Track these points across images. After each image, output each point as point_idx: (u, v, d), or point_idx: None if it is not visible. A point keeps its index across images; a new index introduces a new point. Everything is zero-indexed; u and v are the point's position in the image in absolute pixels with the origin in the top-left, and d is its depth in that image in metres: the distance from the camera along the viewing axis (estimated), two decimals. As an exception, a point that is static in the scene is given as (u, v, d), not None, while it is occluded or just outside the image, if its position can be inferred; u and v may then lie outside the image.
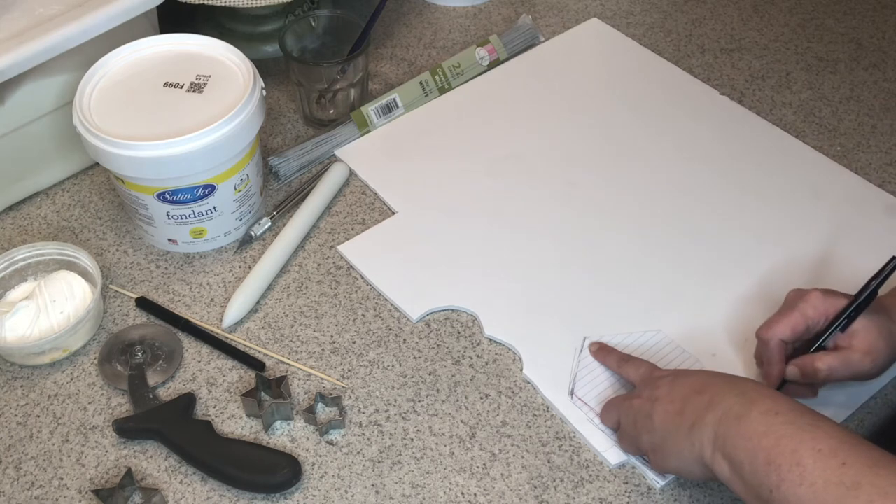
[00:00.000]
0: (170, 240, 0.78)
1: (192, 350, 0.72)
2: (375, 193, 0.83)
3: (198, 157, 0.70)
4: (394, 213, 0.81)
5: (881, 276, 0.63)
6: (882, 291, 0.63)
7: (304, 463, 0.65)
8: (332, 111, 0.89)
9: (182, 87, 0.74)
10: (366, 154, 0.86)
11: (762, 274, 0.76)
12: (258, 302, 0.75)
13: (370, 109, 0.88)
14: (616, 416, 0.64)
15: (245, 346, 0.72)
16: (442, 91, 0.92)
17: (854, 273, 0.70)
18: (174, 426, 0.65)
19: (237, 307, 0.73)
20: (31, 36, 0.72)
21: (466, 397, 0.69)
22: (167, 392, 0.69)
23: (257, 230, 0.79)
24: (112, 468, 0.65)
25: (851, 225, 0.79)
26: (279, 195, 0.84)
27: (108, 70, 0.75)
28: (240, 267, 0.78)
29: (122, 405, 0.69)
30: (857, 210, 0.80)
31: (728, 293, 0.74)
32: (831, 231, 0.79)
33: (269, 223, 0.80)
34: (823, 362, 0.62)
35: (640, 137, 0.88)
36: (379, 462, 0.65)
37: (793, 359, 0.64)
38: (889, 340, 0.62)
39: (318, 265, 0.78)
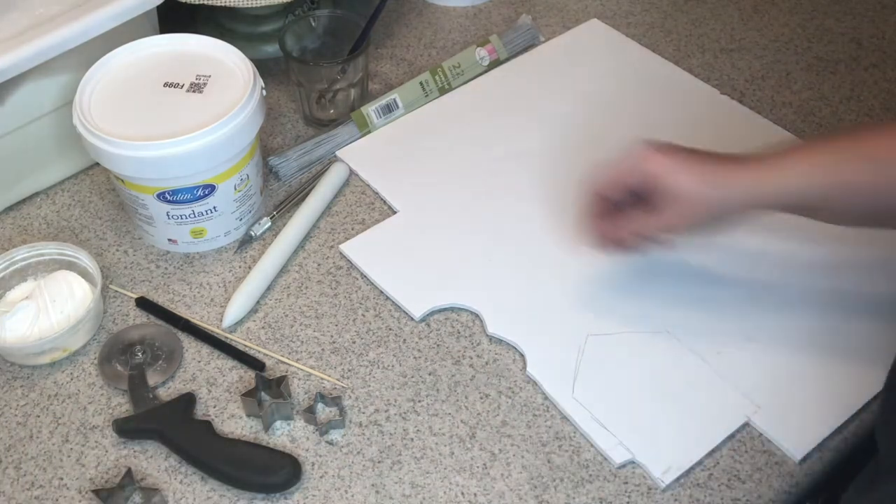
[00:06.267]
0: (170, 240, 0.78)
1: (192, 350, 0.72)
2: (376, 193, 0.83)
3: (198, 157, 0.70)
4: (395, 213, 0.81)
5: None
6: None
7: (304, 463, 0.65)
8: (332, 111, 0.89)
9: (182, 87, 0.74)
10: (366, 154, 0.86)
11: (765, 272, 0.76)
12: (258, 302, 0.75)
13: (370, 110, 0.88)
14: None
15: (245, 346, 0.72)
16: (442, 91, 0.92)
17: (857, 268, 0.70)
18: (174, 426, 0.65)
19: (237, 307, 0.73)
20: (31, 36, 0.72)
21: (466, 397, 0.69)
22: (167, 392, 0.69)
23: (257, 230, 0.79)
24: (112, 468, 0.65)
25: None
26: (279, 195, 0.84)
27: (108, 70, 0.75)
28: (240, 267, 0.78)
29: (122, 405, 0.68)
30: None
31: (732, 291, 0.74)
32: (833, 227, 0.79)
33: (269, 223, 0.80)
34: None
35: (642, 137, 0.87)
36: (379, 462, 0.65)
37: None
38: (710, 200, 0.63)
39: (318, 265, 0.78)
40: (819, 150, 0.63)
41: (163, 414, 0.66)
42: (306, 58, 0.89)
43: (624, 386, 0.68)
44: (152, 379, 0.69)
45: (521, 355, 0.71)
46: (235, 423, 0.67)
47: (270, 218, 0.80)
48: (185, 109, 0.72)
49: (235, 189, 0.76)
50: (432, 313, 0.74)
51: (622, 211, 0.68)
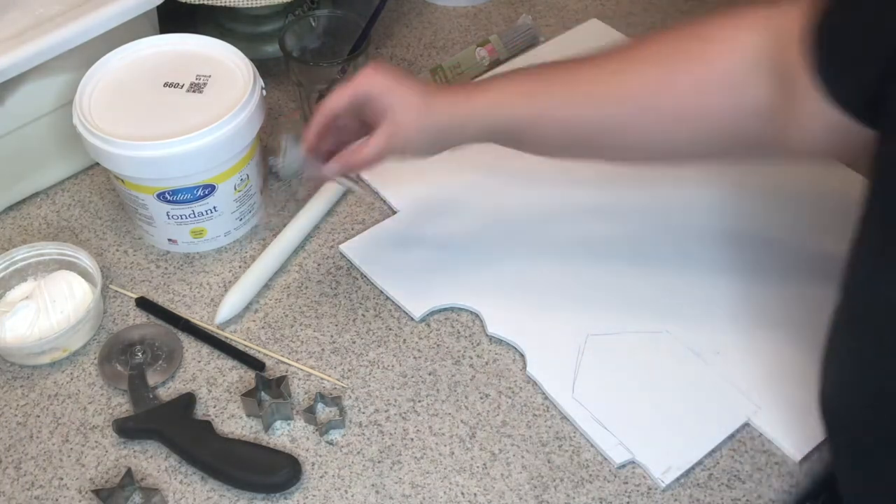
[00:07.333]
0: (170, 240, 0.78)
1: (192, 350, 0.72)
2: (376, 193, 0.83)
3: (198, 157, 0.70)
4: (395, 213, 0.81)
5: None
6: None
7: (304, 463, 0.65)
8: (332, 111, 0.89)
9: (182, 87, 0.74)
10: (366, 154, 0.86)
11: (766, 271, 0.75)
12: (258, 302, 0.75)
13: (370, 109, 0.87)
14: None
15: (245, 345, 0.72)
16: (442, 91, 0.92)
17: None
18: (174, 426, 0.65)
19: (230, 305, 0.73)
20: (31, 36, 0.72)
21: (466, 397, 0.69)
22: (167, 392, 0.69)
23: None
24: (112, 468, 0.65)
25: (854, 222, 0.79)
26: (279, 195, 0.84)
27: (108, 70, 0.75)
28: (240, 267, 0.78)
29: (122, 405, 0.69)
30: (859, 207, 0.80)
31: (732, 291, 0.74)
32: (833, 228, 0.79)
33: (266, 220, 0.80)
34: (369, 149, 0.65)
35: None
36: (379, 462, 0.65)
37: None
38: (420, 121, 0.65)
39: (318, 265, 0.78)
40: (523, 79, 0.66)
41: (163, 414, 0.66)
42: (306, 58, 0.89)
43: (624, 386, 0.68)
44: (152, 379, 0.69)
45: (521, 355, 0.71)
46: (235, 423, 0.67)
47: (269, 216, 0.80)
48: (185, 109, 0.72)
49: (235, 189, 0.76)
50: (432, 313, 0.74)
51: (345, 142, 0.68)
